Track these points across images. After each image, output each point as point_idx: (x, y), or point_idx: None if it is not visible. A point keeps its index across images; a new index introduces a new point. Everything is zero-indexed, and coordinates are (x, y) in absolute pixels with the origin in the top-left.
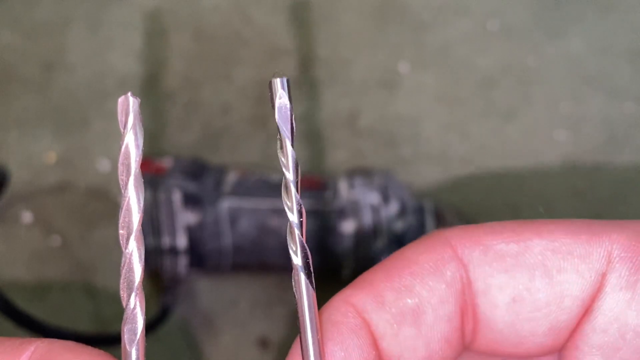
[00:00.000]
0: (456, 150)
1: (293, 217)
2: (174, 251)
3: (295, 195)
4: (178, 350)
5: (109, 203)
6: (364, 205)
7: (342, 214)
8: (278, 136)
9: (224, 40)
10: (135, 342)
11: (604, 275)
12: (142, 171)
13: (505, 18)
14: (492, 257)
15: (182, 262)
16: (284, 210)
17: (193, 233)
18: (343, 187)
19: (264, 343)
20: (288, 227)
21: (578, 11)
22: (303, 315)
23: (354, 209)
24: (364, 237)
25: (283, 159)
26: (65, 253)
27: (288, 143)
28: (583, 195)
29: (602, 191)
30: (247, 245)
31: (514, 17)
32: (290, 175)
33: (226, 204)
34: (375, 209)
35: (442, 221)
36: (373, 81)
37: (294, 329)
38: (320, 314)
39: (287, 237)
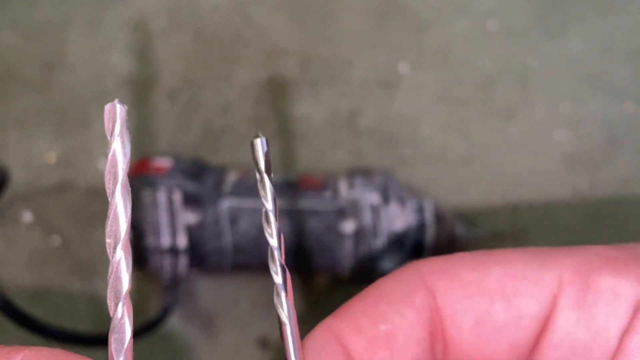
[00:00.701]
0: (456, 150)
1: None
2: (174, 251)
3: (278, 258)
4: (178, 350)
5: (108, 199)
6: (364, 205)
7: (342, 214)
8: (258, 178)
9: (224, 40)
10: (123, 351)
11: (556, 297)
12: (142, 171)
13: (505, 18)
14: (457, 285)
15: (182, 262)
16: (284, 210)
17: (193, 233)
18: (343, 187)
19: (264, 343)
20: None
21: (578, 11)
22: (285, 327)
23: (354, 209)
24: (364, 237)
25: (262, 192)
26: (65, 253)
27: (265, 177)
28: (583, 195)
29: (602, 191)
30: (247, 245)
31: (514, 17)
32: (269, 205)
33: (226, 204)
34: (375, 209)
35: (442, 221)
36: (373, 81)
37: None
38: (304, 342)
39: (269, 259)
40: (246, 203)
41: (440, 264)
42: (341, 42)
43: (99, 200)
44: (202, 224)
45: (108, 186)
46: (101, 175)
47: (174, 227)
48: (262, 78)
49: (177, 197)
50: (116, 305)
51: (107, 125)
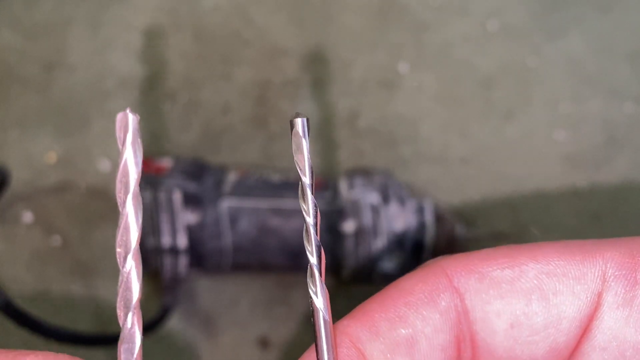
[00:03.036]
0: (456, 150)
1: (313, 260)
2: (174, 251)
3: (315, 239)
4: (178, 350)
5: (109, 203)
6: (364, 205)
7: (342, 214)
8: (299, 183)
9: (224, 40)
10: None
11: (600, 295)
12: (142, 171)
13: (505, 18)
14: (488, 285)
15: (182, 262)
16: (284, 210)
17: (193, 233)
18: (343, 187)
19: (264, 343)
20: (308, 268)
21: (578, 11)
22: (317, 313)
23: (354, 209)
24: (364, 237)
25: (304, 206)
26: (65, 253)
27: (308, 190)
28: (583, 195)
29: (602, 191)
30: (247, 245)
31: (514, 17)
32: (310, 219)
33: (226, 204)
34: (375, 209)
35: (442, 221)
36: (373, 81)
37: (294, 329)
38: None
39: (307, 279)
40: (246, 203)
41: (468, 261)
42: (341, 42)
43: (99, 200)
44: (202, 224)
45: (119, 195)
46: (101, 175)
47: (174, 227)
48: (262, 78)
49: (177, 197)
50: (126, 315)
51: (119, 134)
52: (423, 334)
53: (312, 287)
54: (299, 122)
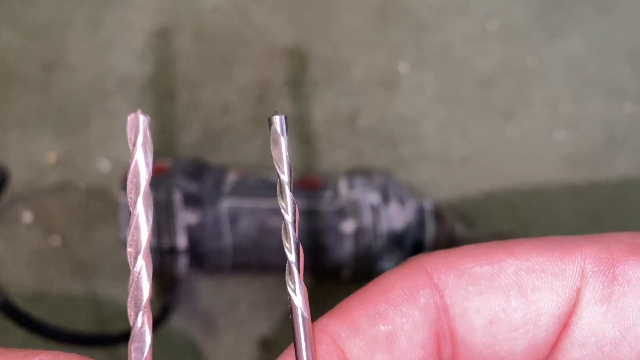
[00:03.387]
0: (456, 150)
1: (291, 257)
2: (174, 251)
3: (293, 236)
4: (178, 350)
5: (109, 203)
6: (364, 205)
7: (342, 214)
8: (277, 180)
9: (224, 40)
10: None
11: (578, 291)
12: None
13: (505, 18)
14: (467, 281)
15: (182, 262)
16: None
17: (193, 233)
18: (343, 187)
19: (264, 343)
20: (287, 265)
21: (578, 11)
22: (296, 310)
23: (354, 209)
24: (364, 237)
25: (282, 203)
26: (65, 253)
27: (286, 187)
28: (583, 195)
29: (602, 191)
30: (247, 245)
31: (514, 17)
32: (289, 217)
33: (226, 204)
34: (375, 209)
35: (442, 221)
36: (373, 81)
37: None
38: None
39: (286, 275)
40: (246, 203)
41: (448, 257)
42: (341, 42)
43: (99, 200)
44: (202, 224)
45: (130, 196)
46: (101, 175)
47: (174, 227)
48: (262, 78)
49: (177, 197)
50: (136, 314)
51: (130, 135)
52: (403, 331)
53: (290, 284)
54: (277, 120)
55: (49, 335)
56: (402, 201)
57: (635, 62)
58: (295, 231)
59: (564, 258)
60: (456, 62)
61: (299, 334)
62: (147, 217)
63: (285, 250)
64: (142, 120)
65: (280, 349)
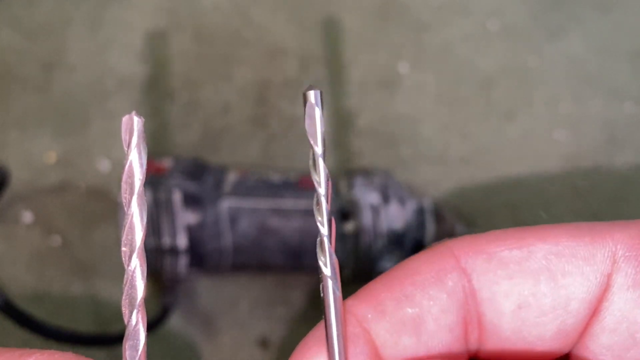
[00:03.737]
0: (456, 150)
1: (324, 230)
2: (174, 251)
3: (326, 209)
4: (178, 350)
5: (109, 203)
6: (364, 205)
7: (342, 214)
8: (310, 152)
9: (224, 40)
10: (137, 358)
11: (609, 276)
12: None
13: (505, 18)
14: (496, 265)
15: (182, 262)
16: (284, 210)
17: (193, 233)
18: (343, 187)
19: (264, 343)
20: (318, 239)
21: (578, 11)
22: (326, 282)
23: (354, 209)
24: (364, 237)
25: (316, 177)
26: (65, 253)
27: (320, 160)
28: (583, 195)
29: (602, 191)
30: (247, 245)
31: (514, 17)
32: (322, 190)
33: (226, 204)
34: (375, 209)
35: (442, 221)
36: (373, 81)
37: (294, 329)
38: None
39: (317, 249)
40: (246, 203)
41: (476, 241)
42: (341, 42)
43: (99, 200)
44: (202, 224)
45: (124, 196)
46: (101, 175)
47: (174, 227)
48: (262, 78)
49: (177, 197)
50: (131, 312)
51: (124, 136)
52: (430, 314)
53: (322, 257)
54: (312, 94)
55: (49, 335)
56: (402, 201)
57: (635, 62)
58: (327, 204)
59: (594, 243)
60: (456, 62)
61: (329, 307)
62: (141, 217)
63: (318, 224)
64: (137, 121)
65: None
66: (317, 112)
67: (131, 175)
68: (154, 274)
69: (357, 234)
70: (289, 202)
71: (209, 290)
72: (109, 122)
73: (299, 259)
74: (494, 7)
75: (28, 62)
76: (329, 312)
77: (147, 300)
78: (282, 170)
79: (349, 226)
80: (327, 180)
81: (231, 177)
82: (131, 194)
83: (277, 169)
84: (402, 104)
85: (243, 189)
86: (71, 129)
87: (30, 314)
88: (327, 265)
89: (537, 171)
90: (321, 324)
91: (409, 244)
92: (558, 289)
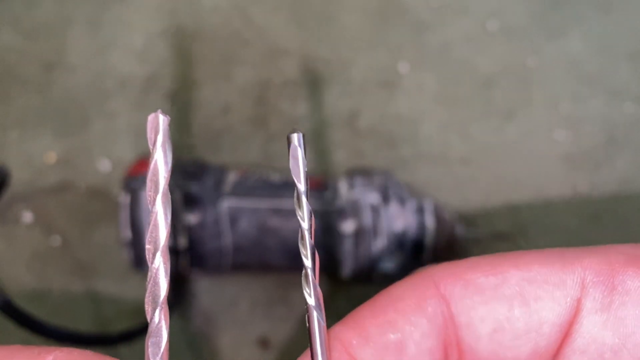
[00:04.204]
0: (456, 150)
1: (308, 263)
2: (174, 251)
3: (309, 242)
4: (178, 350)
5: (109, 203)
6: (364, 205)
7: (342, 214)
8: (295, 190)
9: (224, 40)
10: (159, 355)
11: (579, 300)
12: (142, 172)
13: (505, 18)
14: (473, 291)
15: (182, 262)
16: (284, 210)
17: (193, 233)
18: (343, 187)
19: (264, 343)
20: (303, 272)
21: (578, 11)
22: (312, 314)
23: (354, 209)
24: (364, 237)
25: (299, 212)
26: (65, 253)
27: (303, 197)
28: (583, 195)
29: (602, 191)
30: (247, 245)
31: (514, 17)
32: (305, 224)
33: (226, 204)
34: (375, 209)
35: (442, 221)
36: (373, 81)
37: (294, 329)
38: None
39: (302, 281)
40: (246, 203)
41: (455, 269)
42: (341, 42)
43: (99, 200)
44: (202, 224)
45: (149, 194)
46: (101, 175)
47: (174, 228)
48: (262, 78)
49: (177, 197)
50: (154, 310)
51: (150, 135)
52: (412, 339)
53: (307, 289)
54: (295, 137)
55: (49, 335)
56: (402, 201)
57: (635, 62)
58: (311, 238)
59: (565, 269)
60: (456, 62)
61: (315, 338)
62: (165, 215)
63: (302, 256)
64: (162, 120)
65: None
66: (300, 153)
67: (156, 174)
68: None
69: (357, 234)
70: (289, 202)
71: (209, 290)
72: (109, 122)
73: (299, 259)
74: (493, 7)
75: (28, 62)
76: (315, 341)
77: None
78: (282, 170)
79: (349, 226)
80: (310, 215)
81: (231, 177)
82: (156, 192)
83: (277, 169)
84: (402, 104)
85: (243, 189)
86: (71, 129)
87: (30, 314)
88: (312, 295)
89: (537, 171)
90: (307, 353)
91: (409, 244)
92: (531, 313)
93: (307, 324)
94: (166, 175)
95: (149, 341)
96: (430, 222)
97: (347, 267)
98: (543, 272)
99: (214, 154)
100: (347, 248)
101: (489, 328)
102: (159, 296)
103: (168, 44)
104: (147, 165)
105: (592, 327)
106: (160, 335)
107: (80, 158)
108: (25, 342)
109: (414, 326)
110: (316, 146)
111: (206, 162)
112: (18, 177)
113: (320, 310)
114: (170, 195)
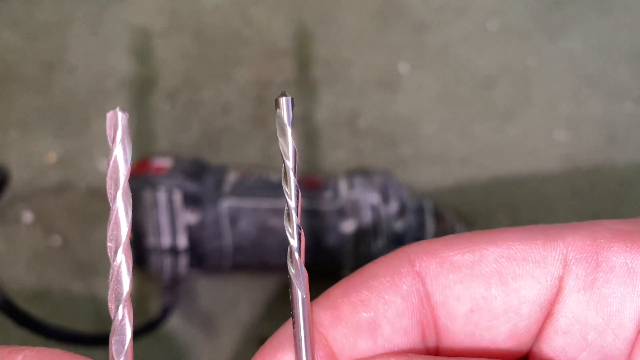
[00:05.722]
0: (456, 150)
1: (293, 242)
2: (174, 251)
3: (295, 221)
4: (178, 350)
5: (109, 203)
6: (364, 205)
7: (342, 214)
8: (282, 167)
9: (224, 40)
10: (123, 353)
11: (561, 278)
12: (142, 172)
13: (505, 18)
14: (448, 269)
15: (182, 262)
16: (284, 210)
17: (193, 233)
18: (343, 187)
19: (264, 343)
20: (288, 251)
21: (578, 11)
22: (296, 292)
23: (354, 209)
24: (364, 237)
25: (287, 189)
26: (65, 253)
27: (291, 173)
28: (583, 195)
29: (602, 191)
30: (247, 245)
31: (514, 17)
32: (292, 202)
33: (226, 204)
34: (375, 209)
35: (442, 221)
36: (373, 81)
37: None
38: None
39: (287, 261)
40: (246, 203)
41: (431, 246)
42: (341, 42)
43: (99, 200)
44: (202, 224)
45: (109, 191)
46: (101, 175)
47: (174, 227)
48: (262, 78)
49: (177, 197)
50: (117, 307)
51: (109, 132)
52: (385, 318)
53: (291, 269)
54: (283, 102)
55: (49, 335)
56: (402, 201)
57: (635, 62)
58: (297, 216)
59: (546, 246)
60: (456, 62)
61: (298, 315)
62: (126, 212)
63: (287, 234)
64: (121, 117)
65: None
66: (288, 130)
67: (116, 171)
68: (154, 274)
69: (357, 234)
70: None
71: (209, 290)
72: None
73: None
74: (493, 7)
75: (28, 62)
76: (297, 315)
77: (147, 300)
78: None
79: (349, 226)
80: (297, 192)
81: (231, 177)
82: (116, 189)
83: (277, 169)
84: (402, 104)
85: (243, 189)
86: (71, 129)
87: (30, 314)
88: (299, 273)
89: (537, 171)
90: (287, 323)
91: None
92: (509, 292)
93: (291, 303)
94: (126, 173)
95: (113, 339)
96: (430, 222)
97: (347, 267)
98: (523, 249)
99: (214, 154)
100: (347, 248)
101: (465, 308)
102: (122, 293)
103: (168, 44)
104: (146, 165)
105: (575, 307)
106: (124, 333)
107: (81, 158)
108: (24, 342)
109: (387, 304)
110: (316, 146)
111: (206, 162)
112: (18, 177)
113: (305, 289)
114: (130, 192)
